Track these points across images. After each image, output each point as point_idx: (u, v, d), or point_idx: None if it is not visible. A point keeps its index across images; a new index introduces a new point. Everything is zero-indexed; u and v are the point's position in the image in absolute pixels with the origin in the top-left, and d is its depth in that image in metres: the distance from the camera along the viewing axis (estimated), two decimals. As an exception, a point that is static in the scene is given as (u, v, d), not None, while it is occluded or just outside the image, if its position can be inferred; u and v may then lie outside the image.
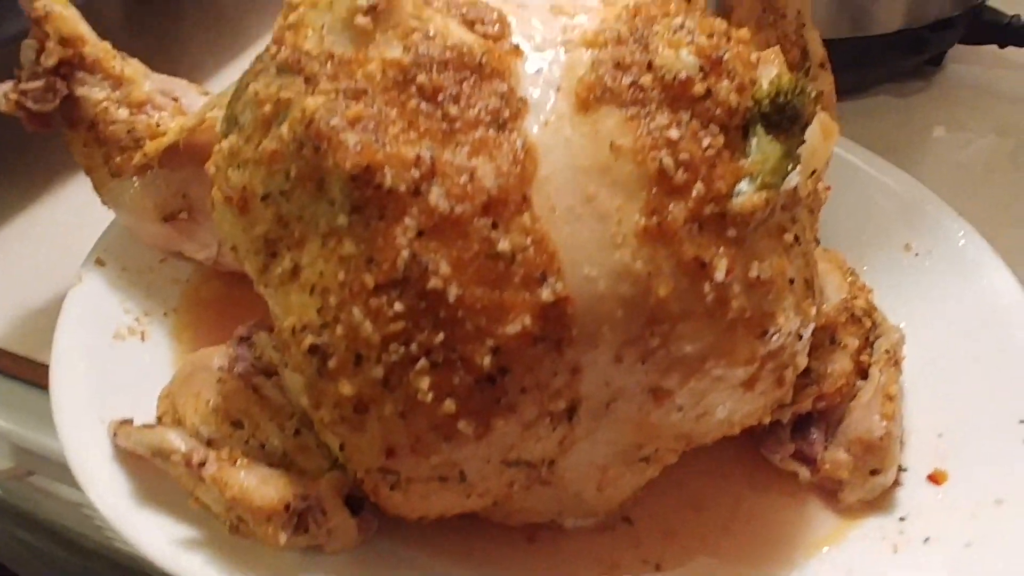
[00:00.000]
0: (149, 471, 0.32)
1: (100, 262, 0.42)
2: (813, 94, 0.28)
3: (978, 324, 0.36)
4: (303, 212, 0.26)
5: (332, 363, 0.25)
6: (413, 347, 0.24)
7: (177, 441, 0.30)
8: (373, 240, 0.25)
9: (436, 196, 0.24)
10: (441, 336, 0.24)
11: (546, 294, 0.25)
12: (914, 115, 0.59)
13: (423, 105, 0.26)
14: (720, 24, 0.28)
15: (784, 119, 0.28)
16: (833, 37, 0.42)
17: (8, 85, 0.37)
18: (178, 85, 0.43)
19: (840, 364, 0.34)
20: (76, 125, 0.39)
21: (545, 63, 0.28)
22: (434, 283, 0.24)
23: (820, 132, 0.30)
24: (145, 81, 0.40)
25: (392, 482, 0.28)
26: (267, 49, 0.28)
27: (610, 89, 0.27)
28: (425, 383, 0.24)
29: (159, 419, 0.35)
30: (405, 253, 0.24)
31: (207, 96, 0.43)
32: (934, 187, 0.43)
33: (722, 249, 0.26)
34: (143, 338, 0.40)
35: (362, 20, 0.27)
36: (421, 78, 0.26)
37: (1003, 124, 0.59)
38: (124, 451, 0.32)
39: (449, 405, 0.24)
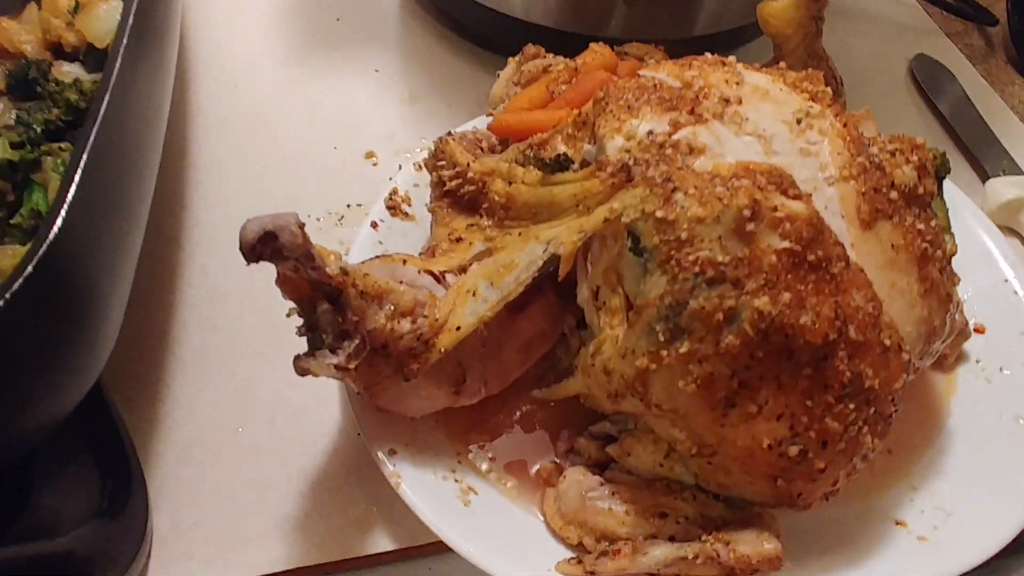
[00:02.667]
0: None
1: (393, 452, 0.44)
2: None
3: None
4: (765, 373, 0.36)
5: (810, 455, 0.38)
6: (860, 423, 0.38)
7: (664, 549, 0.40)
8: (825, 372, 0.37)
9: (853, 332, 0.37)
10: (872, 409, 0.38)
11: (904, 357, 0.40)
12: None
13: (816, 275, 0.37)
14: (908, 139, 0.42)
15: (940, 182, 0.44)
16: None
17: (333, 358, 0.36)
18: (385, 268, 0.43)
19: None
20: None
21: (825, 199, 0.40)
22: (868, 383, 0.38)
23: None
24: (395, 283, 0.40)
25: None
26: (679, 269, 0.35)
27: (878, 209, 0.40)
28: (869, 438, 0.39)
29: (580, 544, 0.43)
30: (848, 373, 0.37)
31: (405, 265, 0.44)
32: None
33: (951, 280, 0.43)
34: (476, 492, 0.45)
35: (750, 226, 0.36)
36: (810, 256, 0.36)
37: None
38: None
39: (879, 443, 0.39)
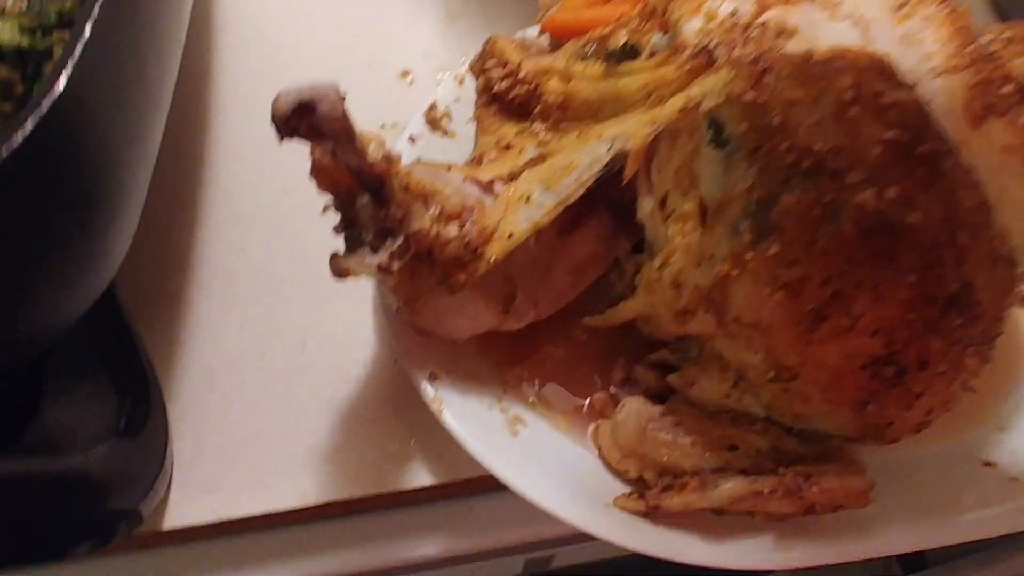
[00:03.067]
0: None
1: (434, 377, 0.40)
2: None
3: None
4: (863, 280, 0.32)
5: (907, 377, 0.34)
6: (964, 342, 0.34)
7: (737, 482, 0.36)
8: (930, 280, 0.32)
9: (964, 237, 0.33)
10: (979, 326, 0.34)
11: (1017, 270, 0.35)
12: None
13: (925, 170, 0.32)
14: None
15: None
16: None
17: (374, 257, 0.32)
18: (428, 172, 0.39)
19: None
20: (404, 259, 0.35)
21: (930, 93, 0.35)
22: (978, 296, 0.33)
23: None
24: (441, 184, 0.36)
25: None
26: (771, 158, 0.31)
27: (989, 105, 0.35)
28: (973, 360, 0.34)
29: (640, 479, 0.39)
30: (956, 284, 0.33)
31: (449, 172, 0.40)
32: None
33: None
34: (524, 423, 0.41)
35: (853, 111, 0.31)
36: (918, 149, 0.32)
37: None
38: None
39: (980, 368, 0.35)
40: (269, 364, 0.45)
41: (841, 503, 0.36)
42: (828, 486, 0.36)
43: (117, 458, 0.36)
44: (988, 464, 0.41)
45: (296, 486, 0.42)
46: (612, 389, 0.43)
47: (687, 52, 0.35)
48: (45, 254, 0.27)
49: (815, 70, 0.32)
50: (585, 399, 0.43)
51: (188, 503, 0.41)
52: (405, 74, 0.59)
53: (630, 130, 0.36)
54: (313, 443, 0.43)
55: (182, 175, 0.52)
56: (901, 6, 0.37)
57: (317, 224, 0.51)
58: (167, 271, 0.48)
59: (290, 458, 0.43)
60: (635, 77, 0.36)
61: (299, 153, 0.56)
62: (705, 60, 0.34)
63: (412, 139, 0.49)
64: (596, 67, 0.38)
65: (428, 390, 0.40)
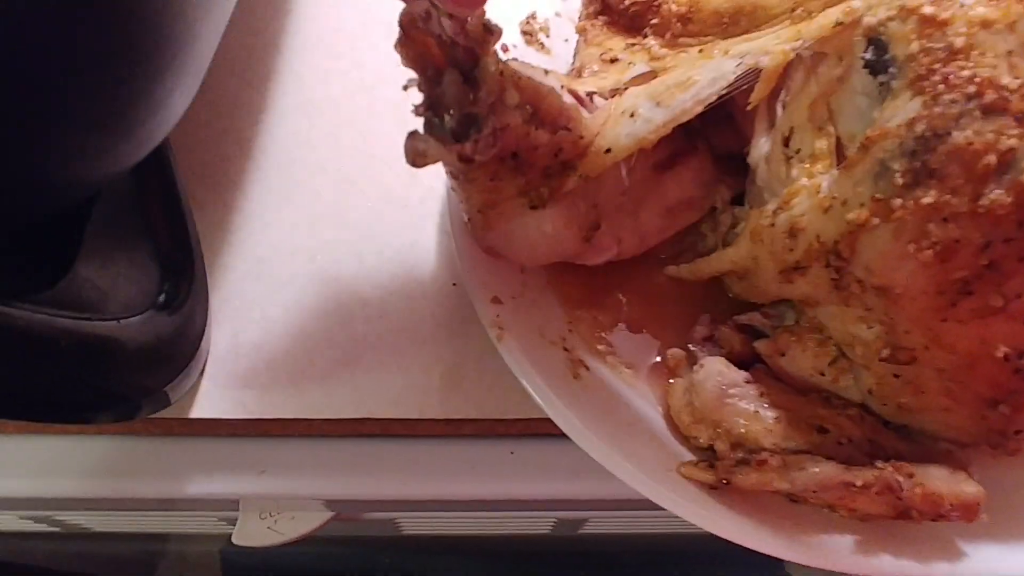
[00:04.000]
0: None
1: (497, 300, 0.37)
2: None
3: None
4: (1026, 254, 0.27)
5: (1058, 375, 0.28)
6: None
7: (826, 468, 0.31)
8: (1113, 267, 0.27)
9: None
10: None
11: None
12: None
13: None
14: None
15: None
16: None
17: (456, 145, 0.28)
18: (526, 68, 0.35)
19: None
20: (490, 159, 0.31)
21: None
22: None
23: None
24: (542, 85, 0.32)
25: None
26: (945, 86, 0.26)
27: None
28: None
29: (709, 447, 0.35)
30: None
31: (547, 76, 0.36)
32: None
33: None
34: (587, 368, 0.37)
35: (1059, 42, 0.25)
36: None
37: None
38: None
39: None
40: (319, 266, 0.42)
41: (945, 513, 0.31)
42: (934, 490, 0.31)
43: (150, 333, 0.34)
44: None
45: (332, 396, 0.39)
46: (690, 347, 0.38)
47: (853, -44, 0.29)
48: (98, 76, 0.24)
49: (1016, -11, 0.26)
50: (658, 353, 0.39)
51: (218, 395, 0.38)
52: (505, -16, 0.54)
53: (768, 45, 0.30)
54: (356, 355, 0.40)
55: (255, 59, 0.49)
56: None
57: (390, 126, 0.47)
58: (227, 154, 0.45)
59: (329, 366, 0.40)
60: (781, -16, 0.31)
61: (379, 49, 0.52)
62: (875, -34, 0.29)
63: (504, 48, 0.45)
64: (734, -27, 0.33)
65: (489, 313, 0.36)
